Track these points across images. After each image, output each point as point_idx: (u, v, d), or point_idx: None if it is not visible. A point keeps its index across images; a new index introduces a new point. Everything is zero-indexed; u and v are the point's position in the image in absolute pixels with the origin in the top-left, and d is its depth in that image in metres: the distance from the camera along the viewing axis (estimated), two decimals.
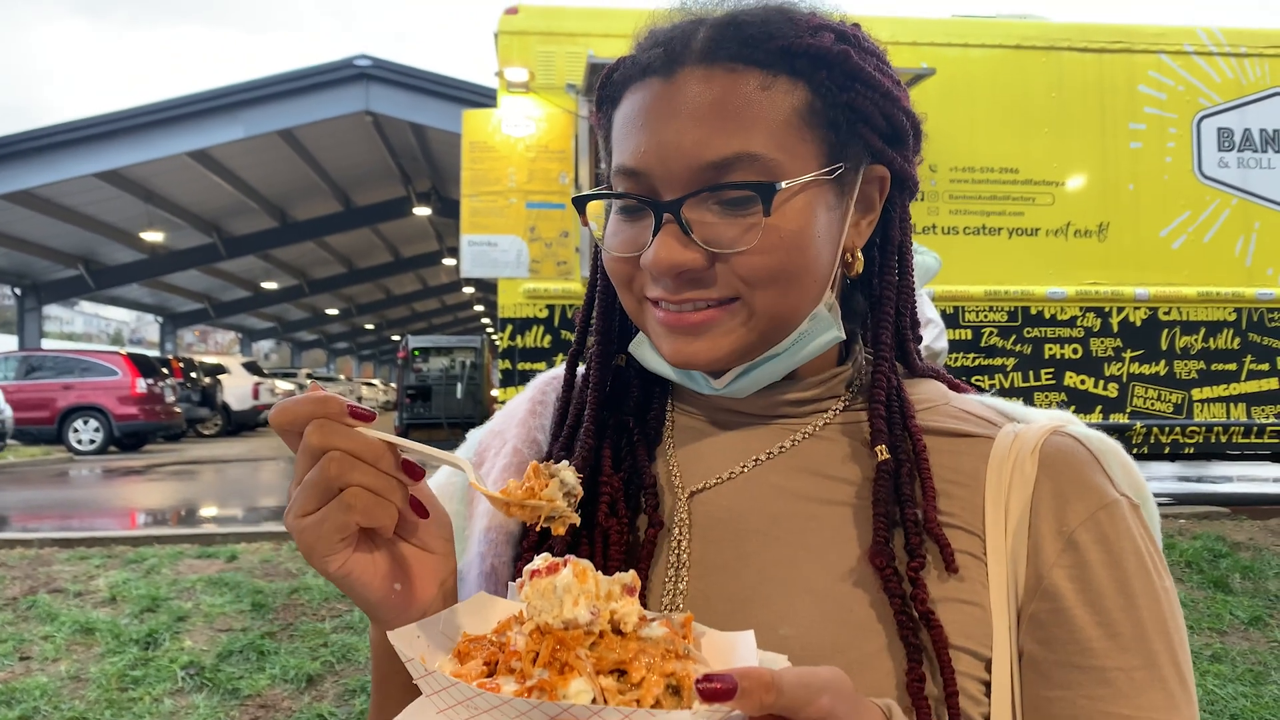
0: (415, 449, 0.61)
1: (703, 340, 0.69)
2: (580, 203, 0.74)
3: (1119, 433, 6.69)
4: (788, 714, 0.47)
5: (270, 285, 28.00)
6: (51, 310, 32.79)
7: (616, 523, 0.72)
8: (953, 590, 0.65)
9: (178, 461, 14.18)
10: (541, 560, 0.54)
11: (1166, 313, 6.66)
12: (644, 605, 0.57)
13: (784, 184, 0.66)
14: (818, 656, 0.62)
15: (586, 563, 0.53)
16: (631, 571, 0.55)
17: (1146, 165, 6.74)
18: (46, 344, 23.20)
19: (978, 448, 0.71)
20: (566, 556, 0.55)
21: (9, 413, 12.65)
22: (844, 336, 0.74)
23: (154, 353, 25.25)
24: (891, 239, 0.76)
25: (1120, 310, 6.63)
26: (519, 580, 0.54)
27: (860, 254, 0.74)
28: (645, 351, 0.77)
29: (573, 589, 0.51)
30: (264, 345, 44.73)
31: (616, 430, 0.79)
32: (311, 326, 39.41)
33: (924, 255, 5.74)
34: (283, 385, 23.95)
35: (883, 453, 0.69)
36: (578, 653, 0.49)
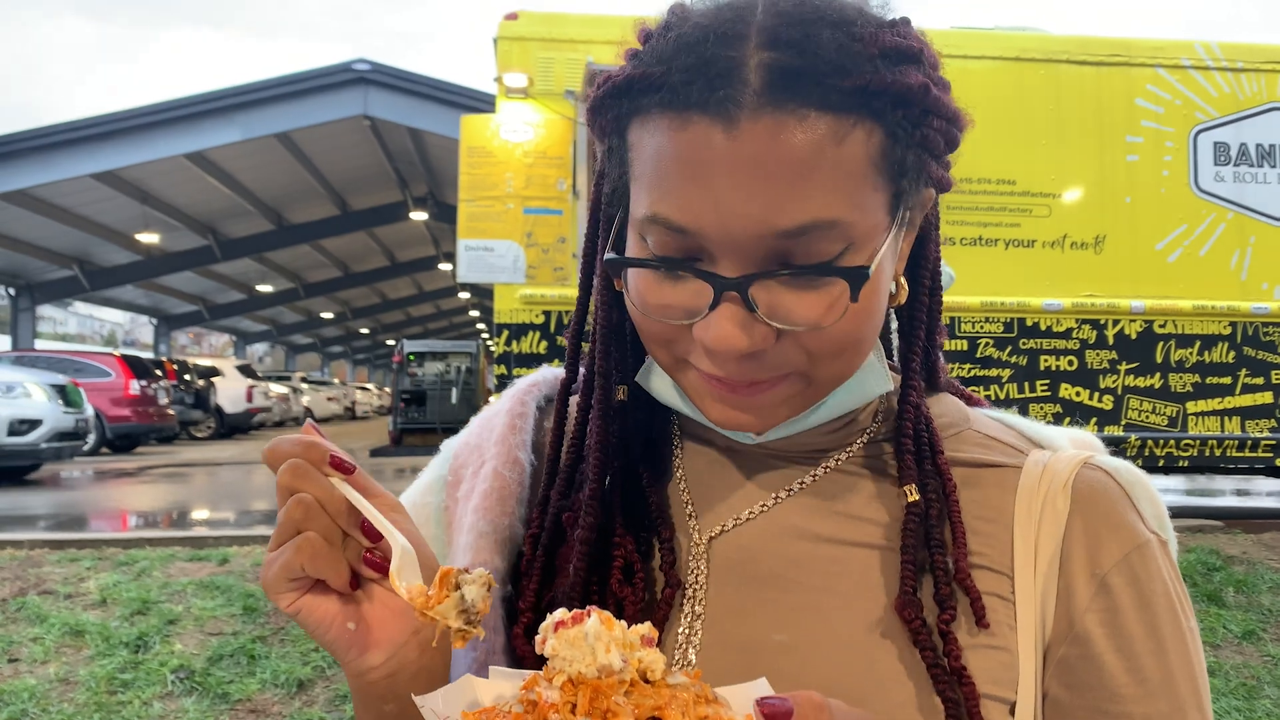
0: (373, 515, 0.60)
1: (754, 413, 0.63)
2: (617, 267, 0.64)
3: (1114, 445, 6.68)
4: None
5: (265, 288, 27.97)
6: (45, 311, 32.70)
7: (632, 591, 0.67)
8: (981, 637, 0.62)
9: (170, 464, 14.13)
10: (563, 613, 0.52)
11: (1162, 326, 6.67)
12: None
13: (872, 267, 0.59)
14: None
15: (608, 613, 0.52)
16: (648, 623, 0.53)
17: (1143, 178, 6.75)
18: (40, 345, 23.15)
19: (1005, 479, 0.67)
20: (589, 607, 0.52)
21: (91, 412, 12.54)
22: (891, 388, 0.69)
23: (148, 354, 25.20)
24: (928, 256, 0.72)
25: (1116, 323, 6.64)
26: (539, 635, 0.52)
27: (904, 280, 0.69)
28: (661, 385, 0.69)
29: (603, 636, 0.50)
30: (258, 348, 44.63)
31: (623, 471, 0.72)
32: (306, 330, 39.37)
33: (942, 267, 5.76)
34: (276, 389, 23.91)
35: (912, 493, 0.65)
36: (616, 700, 0.48)
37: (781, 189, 0.56)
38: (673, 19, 0.62)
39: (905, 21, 0.63)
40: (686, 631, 0.66)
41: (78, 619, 4.27)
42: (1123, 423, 6.63)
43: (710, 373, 0.61)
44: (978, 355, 6.52)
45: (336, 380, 39.78)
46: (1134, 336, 6.65)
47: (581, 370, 0.76)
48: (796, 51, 0.56)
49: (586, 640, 0.50)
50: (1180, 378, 6.68)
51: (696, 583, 0.67)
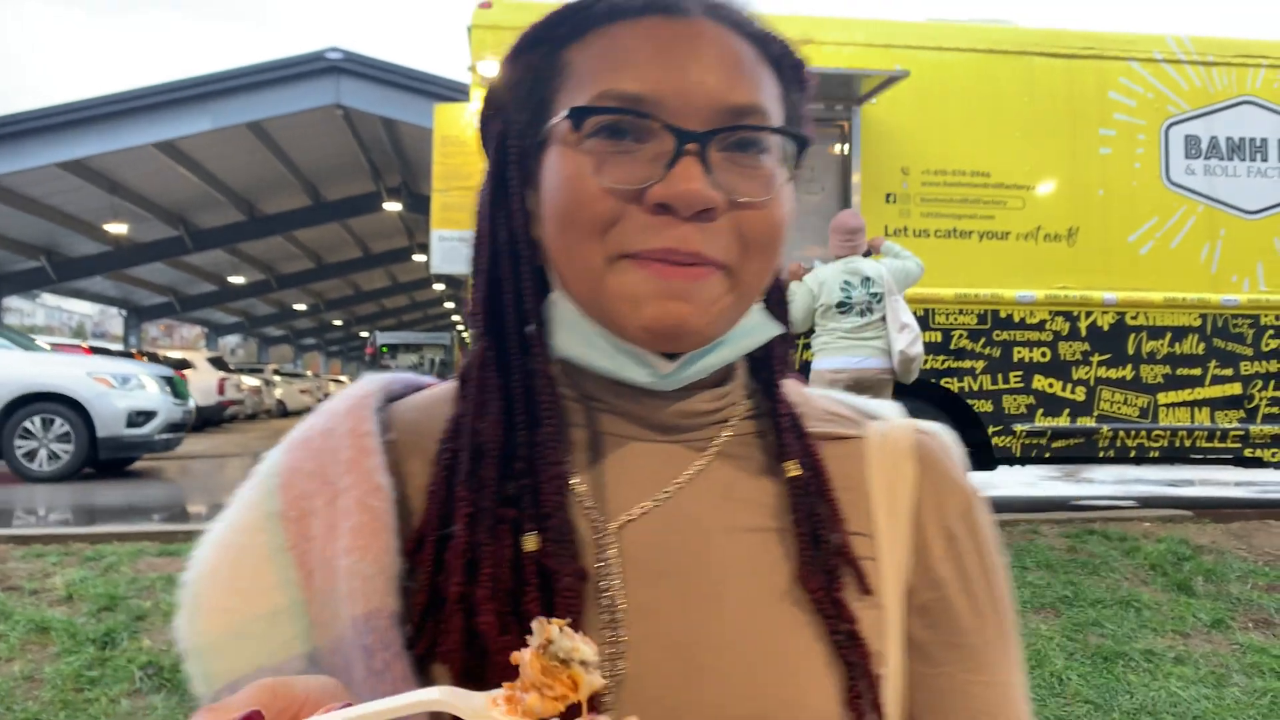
0: (383, 709, 0.46)
1: (691, 304, 0.62)
2: (580, 115, 0.63)
3: (1086, 436, 6.78)
4: None
5: (237, 279, 27.69)
6: (12, 303, 32.21)
7: (563, 606, 0.61)
8: (860, 601, 0.68)
9: (140, 457, 13.95)
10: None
11: (1134, 317, 6.73)
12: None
13: (809, 142, 0.66)
14: (766, 687, 0.62)
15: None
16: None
17: (1116, 171, 6.81)
18: None
19: (853, 450, 0.73)
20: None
21: (193, 404, 12.40)
22: (781, 329, 0.73)
23: (118, 347, 24.87)
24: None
25: (1089, 314, 6.69)
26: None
27: None
28: (559, 331, 0.68)
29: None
30: (230, 340, 44.23)
31: (522, 457, 0.65)
32: (279, 322, 39.04)
33: (906, 260, 5.78)
34: (249, 381, 23.68)
35: (793, 469, 0.69)
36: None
37: (733, 71, 0.64)
38: None
39: None
40: (609, 633, 0.62)
41: (43, 615, 4.20)
42: (1095, 414, 6.69)
43: (657, 246, 0.61)
44: (951, 347, 6.55)
45: (310, 373, 39.48)
46: (1106, 328, 6.70)
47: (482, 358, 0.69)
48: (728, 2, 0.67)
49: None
50: (1151, 369, 6.74)
51: (611, 577, 0.64)
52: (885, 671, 0.67)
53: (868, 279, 5.58)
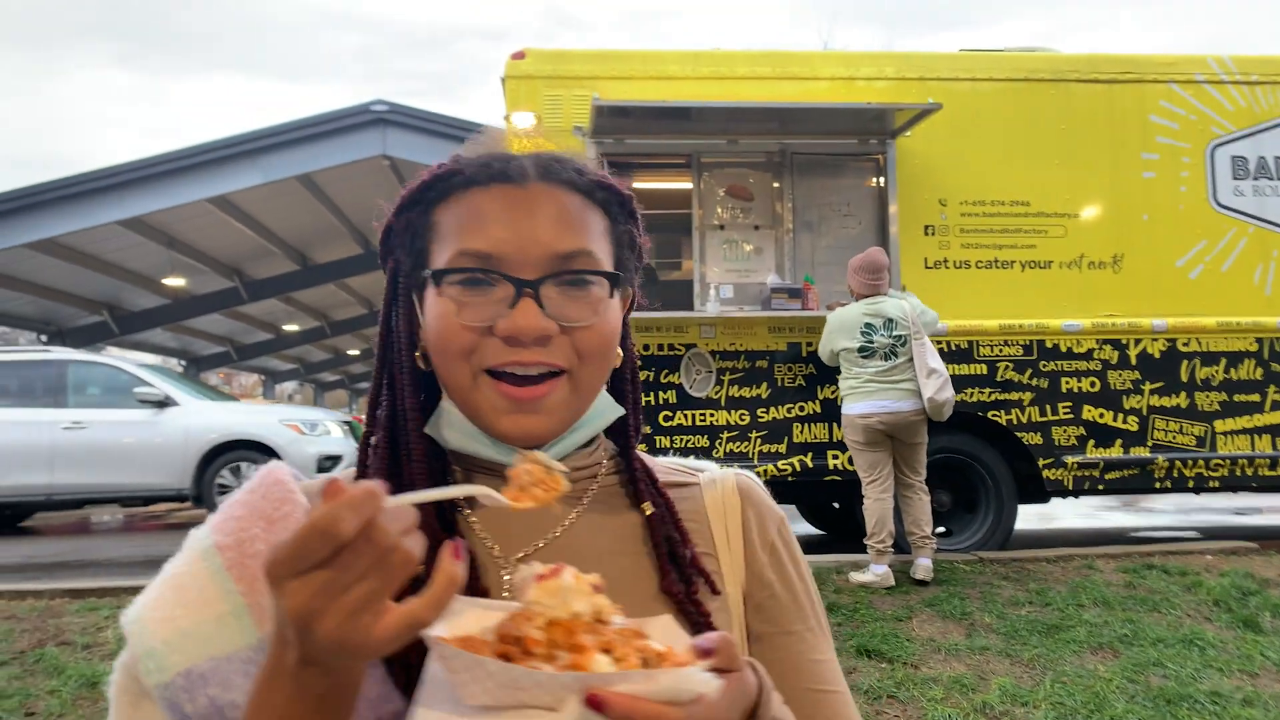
0: (427, 497, 0.67)
1: (539, 416, 0.82)
2: (440, 277, 0.83)
3: (1141, 466, 6.59)
4: (733, 665, 0.65)
5: (292, 327, 28.22)
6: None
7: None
8: (714, 601, 0.87)
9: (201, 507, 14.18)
10: (543, 567, 0.65)
11: (1186, 344, 6.56)
12: None
13: (623, 275, 0.87)
14: None
15: (573, 568, 0.65)
16: (597, 574, 0.66)
17: (1161, 195, 6.67)
18: None
19: (693, 493, 0.94)
20: (562, 565, 0.65)
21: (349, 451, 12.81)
22: (624, 412, 0.93)
23: None
24: (630, 343, 0.96)
25: (1138, 342, 6.53)
26: (519, 585, 0.65)
27: (620, 350, 0.92)
28: (446, 430, 0.87)
29: (574, 589, 0.63)
30: (287, 386, 45.01)
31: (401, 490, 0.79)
32: (333, 367, 39.65)
33: (925, 313, 5.66)
34: None
35: (648, 508, 0.89)
36: (584, 638, 0.60)
37: (560, 225, 0.83)
38: (472, 149, 0.88)
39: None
40: None
41: (94, 670, 4.27)
42: (1149, 443, 6.51)
43: (508, 360, 0.80)
44: (997, 379, 6.43)
45: (365, 417, 39.85)
46: (1157, 355, 6.54)
47: (374, 435, 0.89)
48: (560, 162, 0.86)
49: (562, 591, 0.62)
50: (1207, 396, 6.55)
51: (508, 596, 0.79)
52: None
53: (891, 321, 5.41)
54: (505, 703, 0.57)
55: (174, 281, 19.23)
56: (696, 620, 0.82)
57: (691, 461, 1.00)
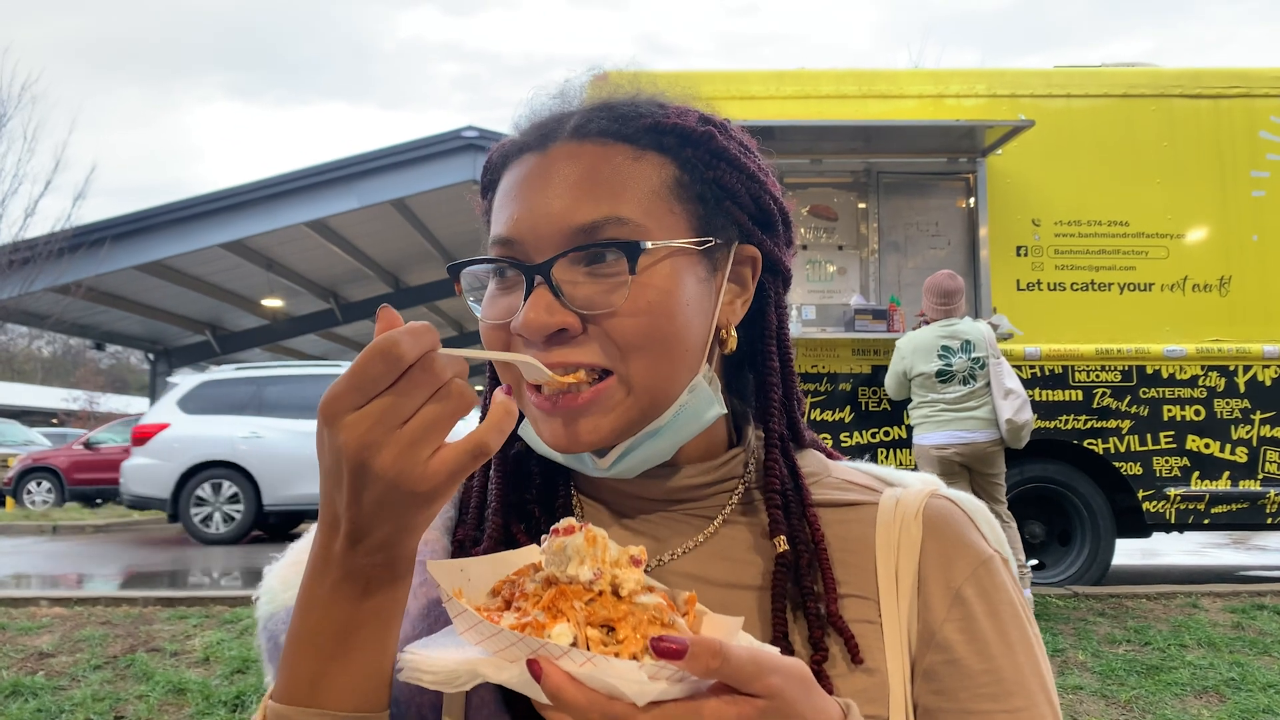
0: (485, 356, 0.67)
1: (584, 421, 0.69)
2: (455, 270, 0.74)
3: (1251, 500, 6.22)
4: (734, 683, 0.52)
5: None
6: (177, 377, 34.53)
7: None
8: (851, 676, 0.69)
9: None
10: (563, 523, 0.61)
11: None
12: None
13: (649, 244, 0.68)
14: None
15: (601, 531, 0.59)
16: (640, 546, 0.60)
17: (1272, 214, 6.34)
18: None
19: (864, 514, 0.75)
20: (585, 523, 0.61)
21: None
22: (725, 411, 0.75)
23: None
24: (769, 322, 0.79)
25: (1247, 369, 6.19)
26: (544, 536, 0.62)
27: (735, 331, 0.76)
28: (531, 433, 0.75)
29: (581, 551, 0.58)
30: None
31: (520, 513, 0.77)
32: None
33: (1000, 324, 5.46)
34: None
35: (781, 544, 0.71)
36: (574, 604, 0.56)
37: (580, 192, 0.69)
38: (532, 109, 0.79)
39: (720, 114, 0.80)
40: None
41: (181, 677, 4.38)
42: (1260, 476, 6.15)
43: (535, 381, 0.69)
44: (1094, 406, 6.17)
45: None
46: (1268, 383, 6.19)
47: None
48: (608, 107, 0.74)
49: (565, 551, 0.58)
50: None
51: None
52: None
53: (968, 343, 5.20)
54: (475, 642, 0.57)
55: (272, 303, 19.90)
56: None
57: (886, 471, 0.80)
